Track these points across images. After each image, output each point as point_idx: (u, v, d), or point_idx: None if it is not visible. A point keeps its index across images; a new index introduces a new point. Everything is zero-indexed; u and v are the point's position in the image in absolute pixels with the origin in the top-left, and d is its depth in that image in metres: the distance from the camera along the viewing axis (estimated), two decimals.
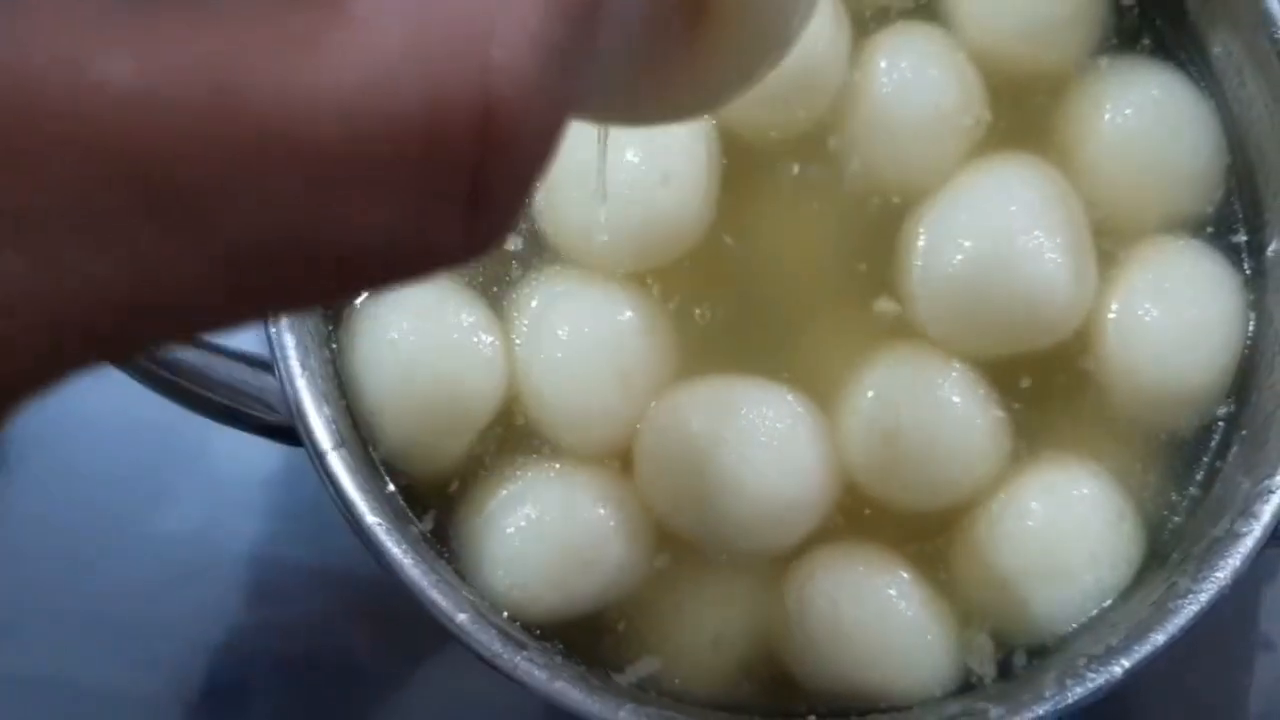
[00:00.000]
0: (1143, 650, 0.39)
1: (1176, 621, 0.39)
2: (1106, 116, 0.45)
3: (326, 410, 0.39)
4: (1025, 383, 0.44)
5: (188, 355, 0.40)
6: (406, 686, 0.53)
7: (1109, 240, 0.45)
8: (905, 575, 0.42)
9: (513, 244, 0.44)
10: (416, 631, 0.52)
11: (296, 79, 0.14)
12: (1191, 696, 0.54)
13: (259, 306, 0.17)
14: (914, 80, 0.45)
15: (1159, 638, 0.39)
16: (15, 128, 0.13)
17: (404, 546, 0.38)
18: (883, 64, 0.45)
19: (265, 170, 0.14)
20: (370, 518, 0.38)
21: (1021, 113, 0.46)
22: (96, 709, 0.55)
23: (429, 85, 0.14)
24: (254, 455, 0.54)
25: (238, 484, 0.54)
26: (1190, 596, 0.39)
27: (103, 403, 0.53)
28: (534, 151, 0.15)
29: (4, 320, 0.14)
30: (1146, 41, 0.47)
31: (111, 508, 0.55)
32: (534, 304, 0.43)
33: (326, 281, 0.16)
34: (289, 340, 0.39)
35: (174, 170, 0.14)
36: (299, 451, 0.40)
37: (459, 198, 0.15)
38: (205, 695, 0.54)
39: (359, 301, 0.43)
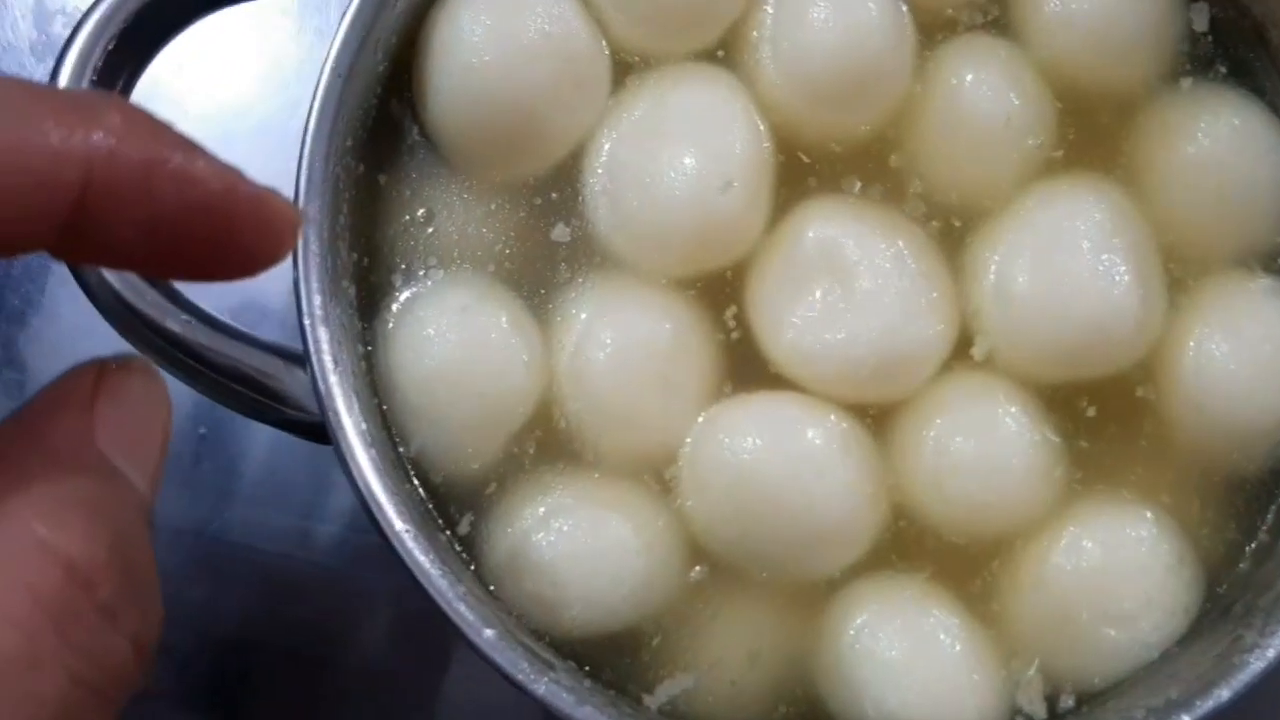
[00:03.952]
0: (1205, 705, 0.37)
1: (1241, 677, 0.37)
2: (1181, 142, 0.43)
3: (357, 407, 0.38)
4: (1089, 412, 0.42)
5: (218, 345, 0.39)
6: (413, 689, 0.53)
7: (1178, 266, 0.43)
8: (953, 609, 0.40)
9: (560, 235, 0.42)
10: (426, 634, 0.52)
11: None
12: None
13: None
14: (980, 96, 0.43)
15: (1223, 693, 0.37)
16: None
17: (431, 556, 0.37)
18: (949, 79, 0.43)
19: None
20: (399, 524, 0.37)
21: (1089, 134, 0.44)
22: None
23: None
24: (276, 453, 0.53)
25: (257, 478, 0.53)
26: (1257, 651, 0.38)
27: None
28: None
29: None
30: (1223, 68, 0.45)
31: None
32: (580, 306, 0.41)
33: None
34: (323, 334, 0.38)
35: None
36: (320, 449, 0.38)
37: None
38: (209, 687, 0.53)
39: (397, 300, 0.41)
